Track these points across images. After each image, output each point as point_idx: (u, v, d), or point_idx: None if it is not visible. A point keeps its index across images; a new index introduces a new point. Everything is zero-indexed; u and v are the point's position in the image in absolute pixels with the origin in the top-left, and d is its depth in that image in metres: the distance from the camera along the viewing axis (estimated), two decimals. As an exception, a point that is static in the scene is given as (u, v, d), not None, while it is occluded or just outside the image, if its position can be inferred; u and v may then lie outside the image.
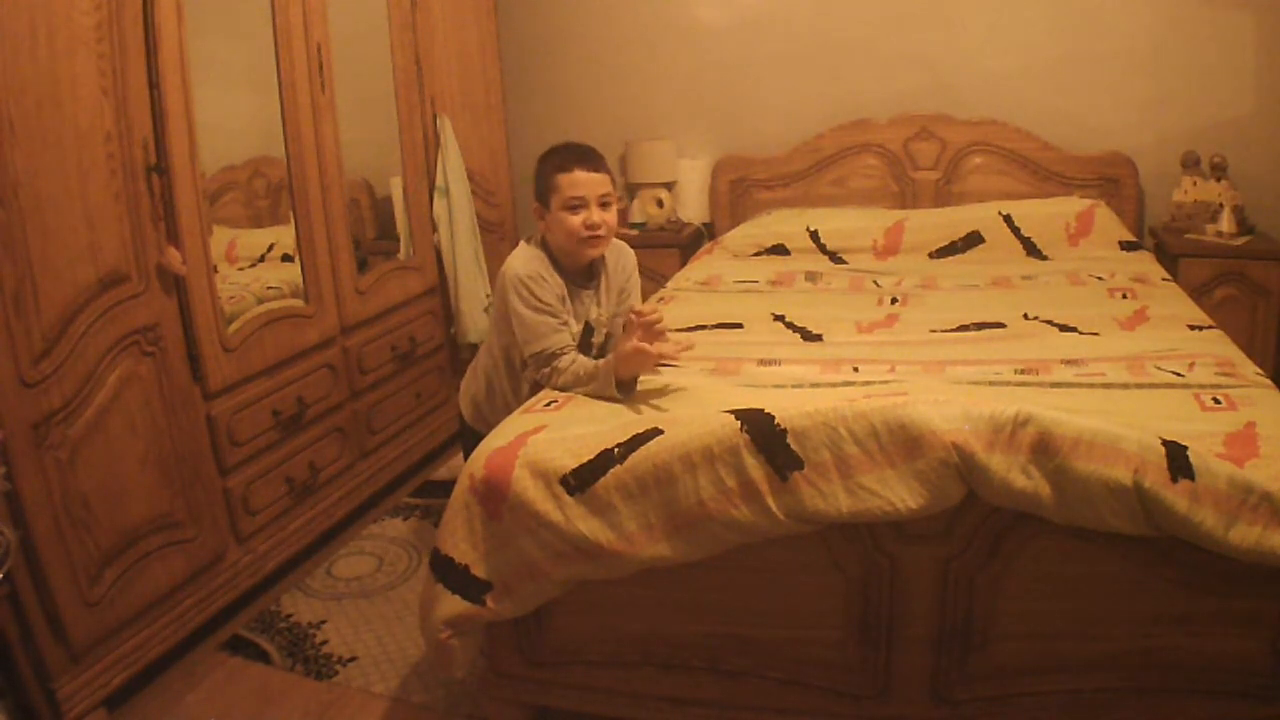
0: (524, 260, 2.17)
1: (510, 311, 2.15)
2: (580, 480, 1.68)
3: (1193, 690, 1.59)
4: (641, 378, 2.10)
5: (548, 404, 2.02)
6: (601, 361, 2.07)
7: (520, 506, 1.71)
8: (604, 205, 2.14)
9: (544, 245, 2.21)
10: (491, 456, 1.78)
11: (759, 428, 1.59)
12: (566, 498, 1.68)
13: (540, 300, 2.12)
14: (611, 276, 2.30)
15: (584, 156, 2.16)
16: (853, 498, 1.53)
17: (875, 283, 3.12)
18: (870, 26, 3.75)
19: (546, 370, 2.13)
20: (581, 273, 2.25)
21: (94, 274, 2.02)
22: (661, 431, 1.70)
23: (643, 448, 1.67)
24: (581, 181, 2.12)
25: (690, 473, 1.61)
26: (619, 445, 1.70)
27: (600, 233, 2.14)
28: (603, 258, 2.27)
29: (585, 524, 1.67)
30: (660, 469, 1.63)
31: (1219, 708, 1.59)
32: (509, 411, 2.13)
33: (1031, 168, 3.63)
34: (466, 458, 2.34)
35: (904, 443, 1.51)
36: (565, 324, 2.16)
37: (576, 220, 2.12)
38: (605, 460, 1.68)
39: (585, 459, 1.69)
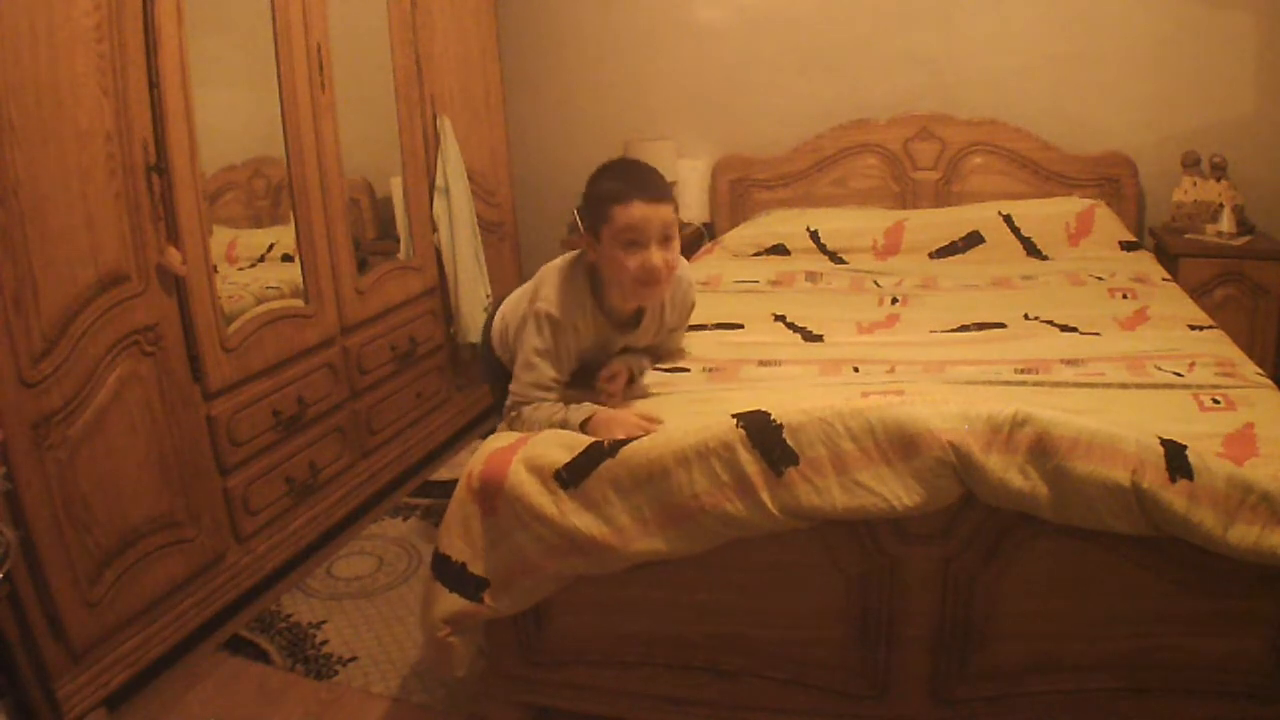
0: (564, 297, 1.93)
1: (520, 334, 1.99)
2: (573, 474, 1.68)
3: (1193, 690, 1.59)
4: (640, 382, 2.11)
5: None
6: (571, 410, 1.88)
7: (516, 501, 1.71)
8: (665, 241, 1.87)
9: (592, 276, 1.97)
10: (491, 456, 1.78)
11: (755, 423, 1.59)
12: (561, 492, 1.68)
13: (555, 347, 1.94)
14: (666, 316, 2.12)
15: (644, 184, 1.85)
16: (848, 494, 1.53)
17: (875, 283, 3.12)
18: (870, 26, 3.75)
19: (513, 414, 1.96)
20: (629, 316, 2.05)
21: (94, 274, 2.02)
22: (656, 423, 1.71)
23: (635, 442, 1.67)
24: (640, 217, 1.82)
25: (684, 467, 1.61)
26: (609, 440, 1.71)
27: (660, 277, 1.88)
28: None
29: (579, 518, 1.67)
30: (654, 463, 1.63)
31: (1219, 708, 1.59)
32: None
33: (1031, 168, 3.63)
34: (486, 379, 2.40)
35: (901, 441, 1.51)
36: (560, 384, 1.98)
37: (633, 262, 1.84)
38: (596, 454, 1.68)
39: (577, 452, 1.70)
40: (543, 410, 1.91)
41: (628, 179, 1.88)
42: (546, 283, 2.00)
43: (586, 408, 1.88)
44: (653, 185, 1.87)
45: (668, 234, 1.87)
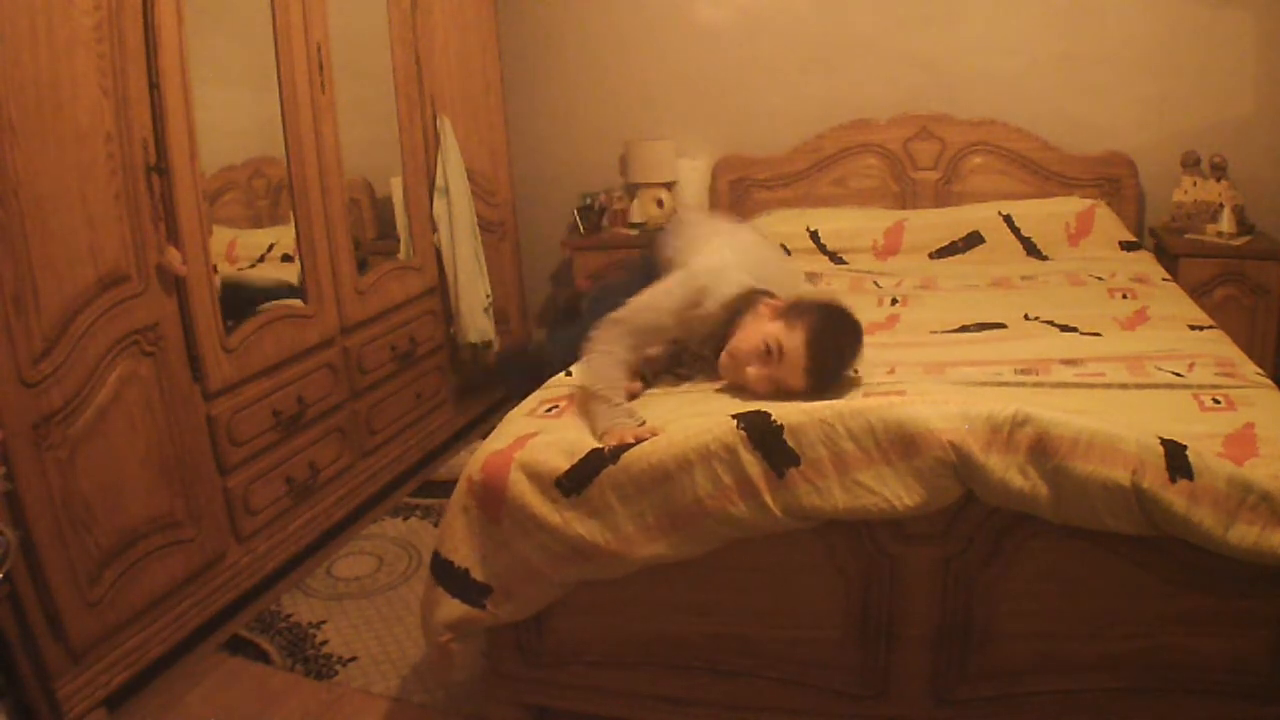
0: (730, 281, 2.04)
1: (669, 276, 2.08)
2: (574, 481, 1.68)
3: (1193, 690, 1.59)
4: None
5: (548, 410, 2.02)
6: (616, 411, 1.87)
7: (518, 510, 1.71)
8: (775, 383, 1.94)
9: (734, 305, 2.05)
10: (489, 459, 1.78)
11: (756, 425, 1.59)
12: (563, 500, 1.68)
13: (680, 311, 2.02)
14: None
15: (824, 371, 1.93)
16: (849, 494, 1.53)
17: (875, 283, 3.12)
18: (870, 26, 3.75)
19: (602, 331, 1.99)
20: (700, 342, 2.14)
21: (94, 274, 2.02)
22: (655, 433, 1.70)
23: (636, 447, 1.67)
24: (790, 369, 1.91)
25: (686, 471, 1.61)
26: (609, 446, 1.70)
27: (734, 378, 2.00)
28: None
29: (583, 526, 1.67)
30: (656, 468, 1.63)
31: (1219, 708, 1.59)
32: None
33: (1031, 168, 3.63)
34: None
35: (901, 441, 1.51)
36: (644, 348, 2.05)
37: (745, 359, 1.95)
38: (596, 460, 1.68)
39: (577, 459, 1.70)
40: (608, 373, 1.93)
41: (824, 354, 1.91)
42: (728, 282, 2.08)
43: (612, 417, 1.84)
44: (829, 379, 1.95)
45: (785, 391, 1.91)
